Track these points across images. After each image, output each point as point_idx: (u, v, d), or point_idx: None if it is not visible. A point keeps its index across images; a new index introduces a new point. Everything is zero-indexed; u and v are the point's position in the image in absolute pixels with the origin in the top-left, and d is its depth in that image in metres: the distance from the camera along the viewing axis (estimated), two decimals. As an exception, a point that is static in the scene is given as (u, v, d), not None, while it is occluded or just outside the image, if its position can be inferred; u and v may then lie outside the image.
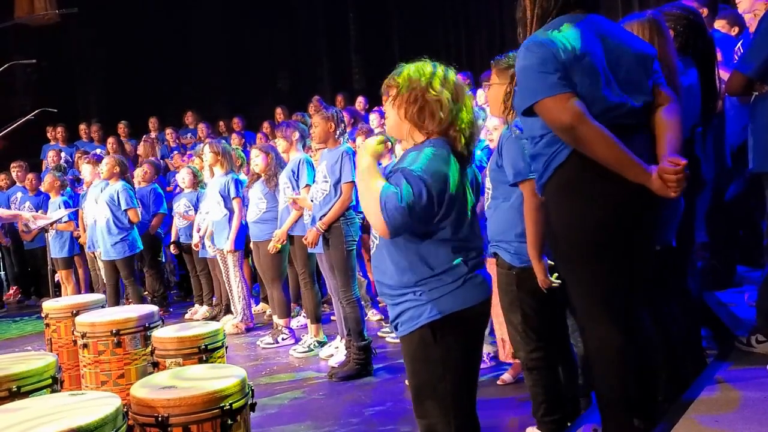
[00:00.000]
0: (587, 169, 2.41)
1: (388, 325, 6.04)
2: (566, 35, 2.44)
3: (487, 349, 4.72)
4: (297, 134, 5.85)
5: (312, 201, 5.15)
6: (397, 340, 5.55)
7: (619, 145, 2.36)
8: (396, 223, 2.24)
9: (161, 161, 9.89)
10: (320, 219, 4.94)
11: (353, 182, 4.89)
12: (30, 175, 9.27)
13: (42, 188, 8.54)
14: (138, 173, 8.18)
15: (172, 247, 8.01)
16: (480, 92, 7.09)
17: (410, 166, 2.30)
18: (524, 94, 2.44)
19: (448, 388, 2.38)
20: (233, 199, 6.52)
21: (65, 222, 7.83)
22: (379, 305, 6.61)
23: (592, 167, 2.40)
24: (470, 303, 2.37)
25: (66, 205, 7.90)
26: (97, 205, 6.99)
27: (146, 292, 8.15)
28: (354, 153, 5.06)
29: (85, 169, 7.55)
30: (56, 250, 7.88)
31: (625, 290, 2.52)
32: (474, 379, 2.50)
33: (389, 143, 5.94)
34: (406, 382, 4.52)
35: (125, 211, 6.80)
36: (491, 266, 3.15)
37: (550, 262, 2.96)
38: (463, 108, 2.43)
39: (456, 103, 2.41)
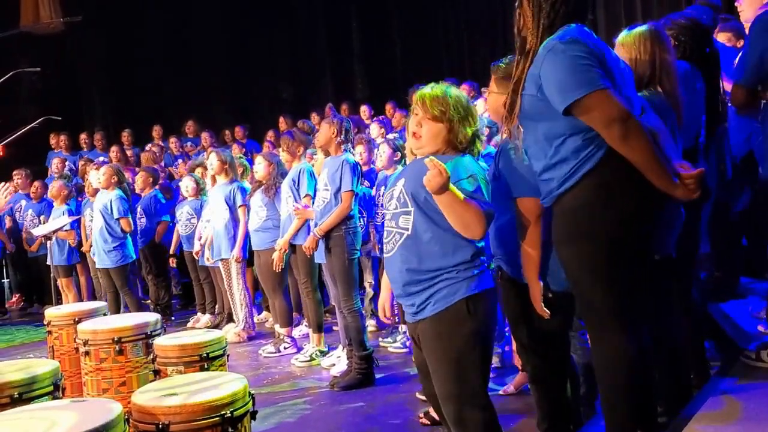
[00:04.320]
0: (616, 175, 2.41)
1: (390, 335, 6.01)
2: (590, 36, 2.45)
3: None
4: (302, 148, 5.91)
5: (314, 209, 5.16)
6: (399, 350, 5.59)
7: (656, 147, 2.37)
8: (488, 228, 2.61)
9: (165, 169, 9.90)
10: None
11: (353, 191, 4.90)
12: (36, 183, 9.28)
13: (48, 194, 8.55)
14: (136, 182, 8.19)
15: (170, 260, 8.02)
16: (480, 101, 7.09)
17: (476, 173, 2.63)
18: (566, 90, 2.38)
19: (476, 361, 2.62)
20: (239, 207, 6.51)
21: (66, 230, 7.83)
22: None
23: (620, 173, 2.40)
24: (493, 284, 2.71)
25: (69, 213, 7.90)
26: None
27: (149, 300, 8.15)
28: (355, 163, 5.07)
29: (93, 176, 7.55)
30: (57, 258, 7.87)
31: (638, 300, 2.52)
32: (491, 356, 2.76)
33: (399, 153, 5.95)
34: (418, 394, 4.49)
35: (117, 220, 6.79)
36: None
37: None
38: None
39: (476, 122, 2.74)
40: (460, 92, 2.71)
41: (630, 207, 2.43)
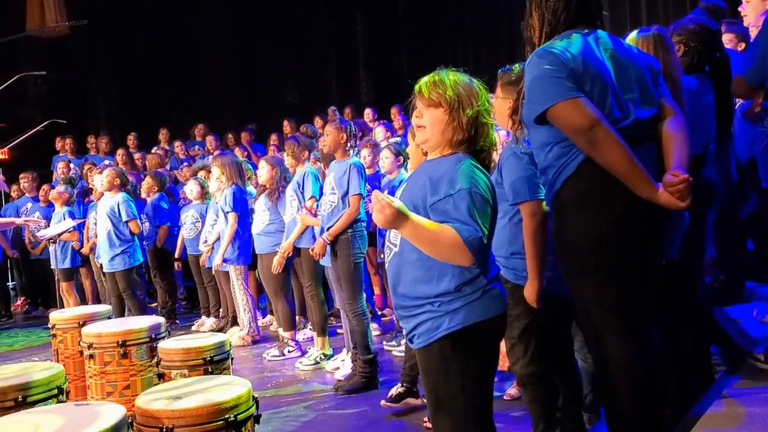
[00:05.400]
0: (599, 179, 2.42)
1: (394, 338, 6.02)
2: (574, 46, 2.48)
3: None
4: (306, 153, 5.92)
5: (320, 213, 5.17)
6: (403, 354, 5.58)
7: (631, 154, 2.37)
8: (480, 253, 2.24)
9: (171, 173, 9.92)
10: (327, 230, 4.95)
11: (360, 194, 4.91)
12: (45, 186, 9.31)
13: (50, 197, 8.58)
14: (143, 185, 8.22)
15: (176, 264, 8.04)
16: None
17: (468, 186, 2.26)
18: (537, 100, 2.45)
19: (467, 401, 2.35)
20: (227, 212, 6.52)
21: (70, 232, 7.84)
22: (381, 320, 6.59)
23: (603, 177, 2.41)
24: (488, 315, 2.35)
25: (71, 215, 7.92)
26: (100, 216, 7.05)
27: (156, 304, 8.16)
28: (362, 166, 5.07)
29: (97, 180, 7.58)
30: (59, 261, 7.87)
31: (638, 303, 2.52)
32: (491, 391, 2.47)
33: (401, 158, 5.95)
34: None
35: (126, 222, 6.81)
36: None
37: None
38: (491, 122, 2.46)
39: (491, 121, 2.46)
40: (459, 73, 2.46)
41: (610, 210, 2.44)
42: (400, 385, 4.38)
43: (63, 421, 2.52)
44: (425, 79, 2.46)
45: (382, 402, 4.39)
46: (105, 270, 6.97)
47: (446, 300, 2.32)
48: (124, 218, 6.79)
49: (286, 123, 10.98)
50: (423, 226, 2.20)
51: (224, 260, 6.61)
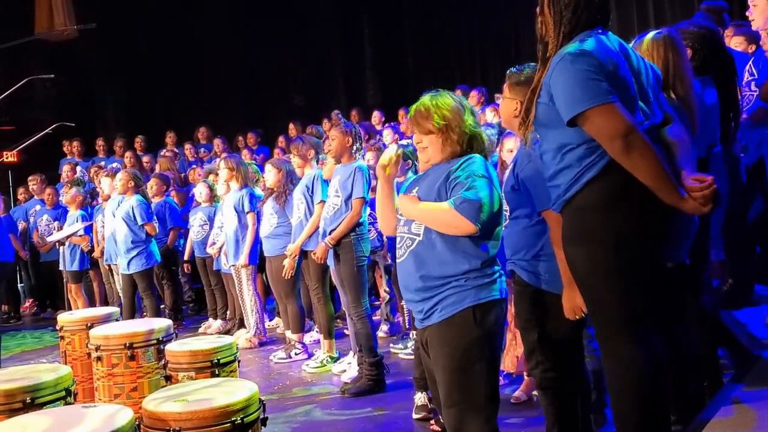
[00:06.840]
0: (623, 183, 2.41)
1: (401, 341, 6.01)
2: (605, 47, 2.45)
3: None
4: (312, 152, 5.90)
5: (323, 215, 5.17)
6: (410, 356, 5.57)
7: (662, 161, 2.36)
8: (478, 215, 2.55)
9: (177, 175, 9.93)
10: (329, 234, 4.96)
11: (363, 198, 4.90)
12: (49, 189, 9.35)
13: (63, 200, 8.61)
14: (149, 188, 8.22)
15: (185, 266, 8.05)
16: (487, 110, 7.10)
17: (478, 171, 2.64)
18: (573, 101, 2.40)
19: (482, 370, 2.60)
20: (247, 213, 6.54)
21: (80, 236, 7.88)
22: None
23: (627, 181, 2.39)
24: (503, 294, 2.68)
25: (83, 218, 7.95)
26: (114, 218, 7.05)
27: (163, 306, 8.18)
28: (367, 170, 5.06)
29: (104, 183, 7.61)
30: (68, 264, 7.89)
31: (649, 308, 2.51)
32: (498, 368, 2.75)
33: (409, 161, 5.93)
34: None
35: (142, 225, 6.85)
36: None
37: None
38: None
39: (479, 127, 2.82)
40: (443, 97, 2.79)
41: (635, 212, 2.43)
42: (422, 395, 4.26)
43: (50, 422, 2.54)
44: (415, 107, 2.81)
45: (414, 416, 4.25)
46: (122, 272, 7.00)
47: (473, 276, 2.63)
48: (140, 222, 6.84)
49: (291, 126, 10.99)
50: (423, 206, 2.66)
51: (231, 261, 6.63)
